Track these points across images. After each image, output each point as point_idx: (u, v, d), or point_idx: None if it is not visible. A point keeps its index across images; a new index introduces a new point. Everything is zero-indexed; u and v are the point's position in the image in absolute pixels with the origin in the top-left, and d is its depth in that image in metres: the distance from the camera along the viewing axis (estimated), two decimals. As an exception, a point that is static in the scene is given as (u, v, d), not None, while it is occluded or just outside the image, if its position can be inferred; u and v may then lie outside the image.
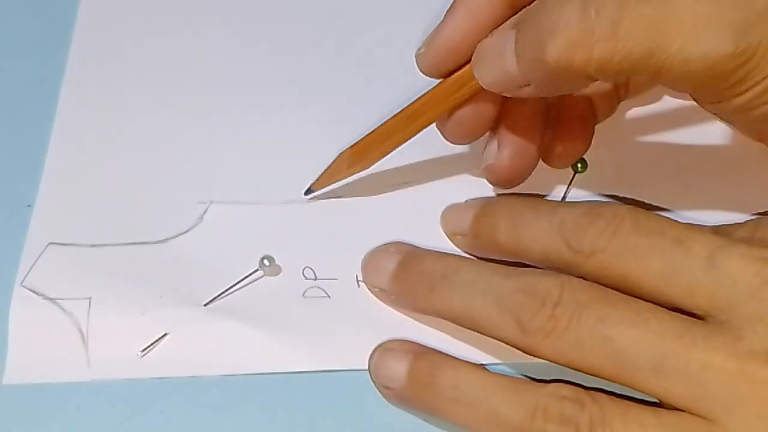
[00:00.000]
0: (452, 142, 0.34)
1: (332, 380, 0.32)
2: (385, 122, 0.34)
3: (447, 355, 0.31)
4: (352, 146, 0.34)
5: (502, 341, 0.30)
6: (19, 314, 0.33)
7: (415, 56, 0.32)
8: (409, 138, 0.34)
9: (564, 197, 0.35)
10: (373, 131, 0.34)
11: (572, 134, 0.35)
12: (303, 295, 0.34)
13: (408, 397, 0.31)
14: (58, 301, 0.33)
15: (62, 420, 0.31)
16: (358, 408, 0.31)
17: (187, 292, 0.33)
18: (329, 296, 0.34)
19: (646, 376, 0.27)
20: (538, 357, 0.29)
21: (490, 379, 0.30)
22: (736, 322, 0.27)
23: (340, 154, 0.35)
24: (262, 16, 0.42)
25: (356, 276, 0.34)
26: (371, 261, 0.34)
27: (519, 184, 0.34)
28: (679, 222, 0.29)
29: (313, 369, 0.32)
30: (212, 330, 0.33)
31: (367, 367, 0.32)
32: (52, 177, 0.37)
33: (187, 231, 0.35)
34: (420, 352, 0.31)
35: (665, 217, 0.29)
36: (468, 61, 0.31)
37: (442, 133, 0.34)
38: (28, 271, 0.34)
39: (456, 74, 0.32)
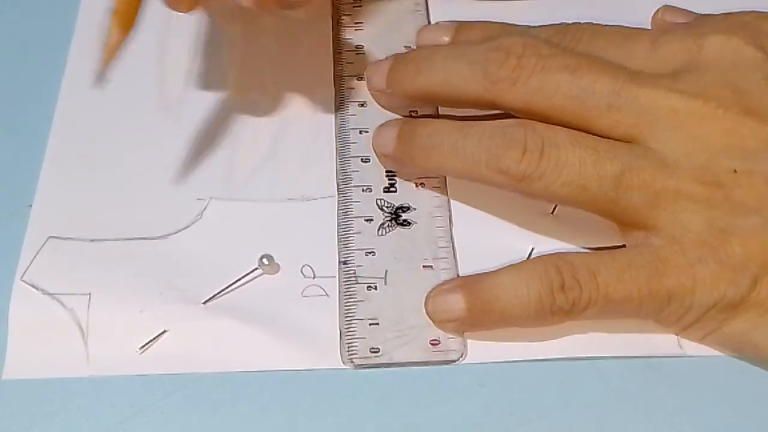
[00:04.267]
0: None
1: (331, 378, 0.32)
2: None
3: (428, 120, 0.35)
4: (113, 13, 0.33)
5: (473, 99, 0.34)
6: (19, 309, 0.33)
7: None
8: None
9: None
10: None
11: None
12: (302, 293, 0.34)
13: (398, 155, 0.35)
14: (57, 296, 0.33)
15: (62, 419, 0.31)
16: (358, 406, 0.31)
17: (186, 289, 0.33)
18: (328, 294, 0.34)
19: (600, 111, 0.32)
20: (505, 106, 0.33)
21: (453, 123, 0.34)
22: (677, 74, 0.32)
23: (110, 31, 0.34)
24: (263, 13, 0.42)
25: (354, 272, 0.34)
26: None
27: None
28: (628, 26, 0.35)
29: (312, 367, 0.32)
30: (211, 327, 0.33)
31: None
32: (52, 171, 0.37)
33: (187, 227, 0.35)
34: (408, 120, 0.37)
35: (615, 26, 0.35)
36: None
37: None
38: (28, 266, 0.34)
39: None
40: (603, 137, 0.32)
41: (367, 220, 0.35)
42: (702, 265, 0.30)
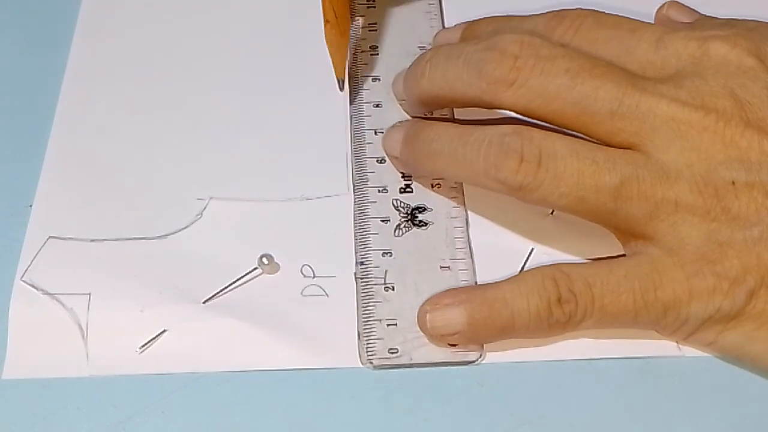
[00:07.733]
0: None
1: (331, 378, 0.32)
2: None
3: (432, 124, 0.35)
4: (325, 24, 0.35)
5: (473, 100, 0.33)
6: (19, 309, 0.33)
7: None
8: None
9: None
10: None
11: None
12: (301, 293, 0.34)
13: (404, 158, 0.35)
14: (57, 296, 0.33)
15: (62, 418, 0.31)
16: (358, 406, 0.31)
17: (186, 288, 0.33)
18: (327, 294, 0.34)
19: (602, 118, 0.31)
20: (504, 108, 0.32)
21: (455, 129, 0.34)
22: (679, 80, 0.32)
23: (326, 37, 0.35)
24: (263, 14, 0.42)
25: (354, 273, 0.34)
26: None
27: None
28: (632, 18, 0.34)
29: (312, 367, 0.32)
30: (211, 327, 0.33)
31: (363, 365, 0.32)
32: (52, 171, 0.37)
33: (186, 227, 0.35)
34: (413, 122, 0.37)
35: (620, 15, 0.34)
36: None
37: None
38: (28, 266, 0.34)
39: None
40: (602, 143, 0.31)
41: (383, 221, 0.35)
42: (699, 278, 0.30)
